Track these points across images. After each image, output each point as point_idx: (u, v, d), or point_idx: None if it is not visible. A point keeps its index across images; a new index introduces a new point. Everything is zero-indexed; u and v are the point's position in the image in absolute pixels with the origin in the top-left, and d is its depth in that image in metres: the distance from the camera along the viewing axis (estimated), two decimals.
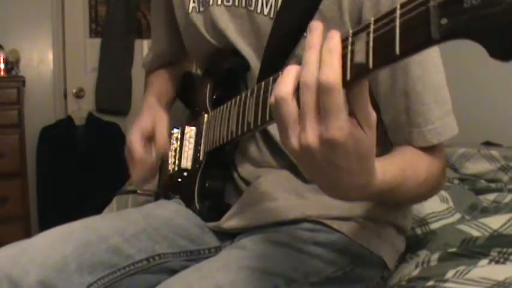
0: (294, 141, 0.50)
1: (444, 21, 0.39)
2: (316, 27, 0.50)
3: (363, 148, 0.49)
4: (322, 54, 0.48)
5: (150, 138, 0.95)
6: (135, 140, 0.93)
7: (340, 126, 0.47)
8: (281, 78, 0.51)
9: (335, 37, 0.48)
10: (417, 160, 0.73)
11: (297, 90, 0.50)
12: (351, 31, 0.48)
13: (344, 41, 0.48)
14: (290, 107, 0.50)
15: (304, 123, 0.49)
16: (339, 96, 0.47)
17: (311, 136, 0.49)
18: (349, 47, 0.48)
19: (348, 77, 0.47)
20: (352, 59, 0.47)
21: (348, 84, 0.48)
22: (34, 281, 0.72)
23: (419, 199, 0.82)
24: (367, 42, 0.45)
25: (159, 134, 0.94)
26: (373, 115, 0.49)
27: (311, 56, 0.49)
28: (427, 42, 0.41)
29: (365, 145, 0.49)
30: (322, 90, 0.47)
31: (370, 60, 0.45)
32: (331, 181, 0.53)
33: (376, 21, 0.45)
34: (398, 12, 0.43)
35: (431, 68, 0.72)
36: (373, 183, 0.55)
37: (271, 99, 0.52)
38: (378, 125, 0.51)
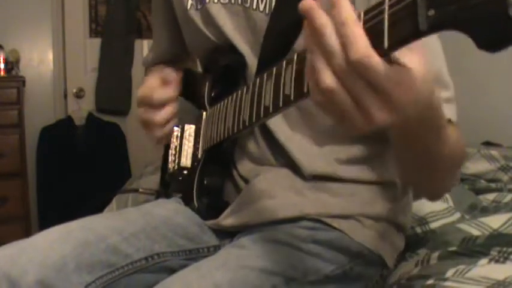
0: (368, 124, 0.46)
1: (431, 12, 0.39)
2: (310, 7, 0.45)
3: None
4: (338, 32, 0.44)
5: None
6: (147, 88, 0.92)
7: (400, 90, 0.44)
8: (312, 70, 0.47)
9: (343, 5, 0.44)
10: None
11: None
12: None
13: None
14: (341, 96, 0.45)
15: (367, 108, 0.45)
16: (379, 66, 0.43)
17: (382, 116, 0.45)
18: None
19: None
20: None
21: None
22: (33, 280, 0.72)
23: (454, 167, 0.73)
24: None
25: (169, 72, 0.94)
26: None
27: (327, 40, 0.44)
28: (415, 34, 0.40)
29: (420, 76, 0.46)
30: (360, 69, 0.43)
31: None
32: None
33: (366, 12, 0.45)
34: (387, 3, 0.42)
35: (429, 54, 0.72)
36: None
37: (317, 98, 0.47)
38: None
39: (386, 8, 0.42)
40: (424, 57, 0.46)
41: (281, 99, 0.60)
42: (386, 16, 0.42)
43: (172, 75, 0.95)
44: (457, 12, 0.37)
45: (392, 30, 0.41)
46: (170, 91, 0.93)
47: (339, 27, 0.43)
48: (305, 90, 0.54)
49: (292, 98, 0.57)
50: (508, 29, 0.35)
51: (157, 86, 0.93)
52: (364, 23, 0.44)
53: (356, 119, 0.46)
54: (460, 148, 0.68)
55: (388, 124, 0.46)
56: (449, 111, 0.70)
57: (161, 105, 0.92)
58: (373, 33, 0.43)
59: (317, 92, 0.47)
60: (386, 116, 0.45)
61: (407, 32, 0.41)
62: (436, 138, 0.60)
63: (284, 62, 0.59)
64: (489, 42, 0.36)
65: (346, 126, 0.48)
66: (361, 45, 0.43)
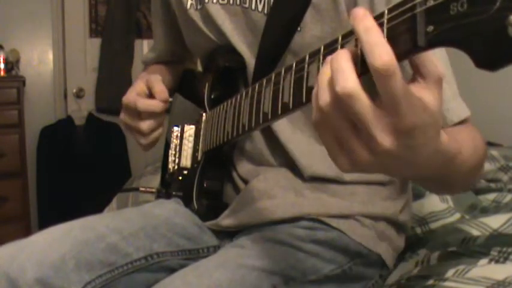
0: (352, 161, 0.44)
1: (430, 28, 0.38)
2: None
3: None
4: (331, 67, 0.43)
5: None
6: (131, 96, 0.88)
7: (380, 135, 0.41)
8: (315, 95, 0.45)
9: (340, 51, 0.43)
10: (463, 131, 0.67)
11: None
12: (340, 34, 0.48)
13: (333, 43, 0.48)
14: (337, 119, 0.43)
15: (370, 135, 0.42)
16: (361, 103, 0.41)
17: (387, 141, 0.42)
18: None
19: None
20: None
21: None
22: (32, 278, 0.72)
23: (472, 173, 0.65)
24: (356, 47, 0.45)
25: (156, 84, 0.89)
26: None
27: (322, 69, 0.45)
28: (413, 49, 0.40)
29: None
30: (342, 103, 0.41)
31: (358, 66, 0.44)
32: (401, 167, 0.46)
33: None
34: (386, 17, 0.42)
35: (438, 52, 0.71)
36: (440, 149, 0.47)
37: (315, 115, 0.45)
38: None
39: (385, 21, 0.42)
40: (441, 95, 0.43)
41: (280, 107, 0.60)
42: (385, 29, 0.42)
43: (159, 85, 0.89)
44: (456, 29, 0.36)
45: (390, 44, 0.41)
46: (154, 105, 0.87)
47: (333, 61, 0.43)
48: (304, 100, 0.54)
49: (290, 106, 0.57)
50: (506, 49, 0.34)
51: (142, 92, 0.89)
52: None
53: (355, 149, 0.43)
54: (477, 153, 0.63)
55: (393, 153, 0.42)
56: (456, 111, 0.70)
57: (146, 114, 0.88)
58: None
59: (315, 109, 0.45)
60: (391, 141, 0.41)
61: (405, 46, 0.40)
62: (450, 169, 0.54)
63: (283, 70, 0.59)
64: (487, 61, 0.36)
65: (342, 160, 0.45)
66: (348, 77, 0.42)
